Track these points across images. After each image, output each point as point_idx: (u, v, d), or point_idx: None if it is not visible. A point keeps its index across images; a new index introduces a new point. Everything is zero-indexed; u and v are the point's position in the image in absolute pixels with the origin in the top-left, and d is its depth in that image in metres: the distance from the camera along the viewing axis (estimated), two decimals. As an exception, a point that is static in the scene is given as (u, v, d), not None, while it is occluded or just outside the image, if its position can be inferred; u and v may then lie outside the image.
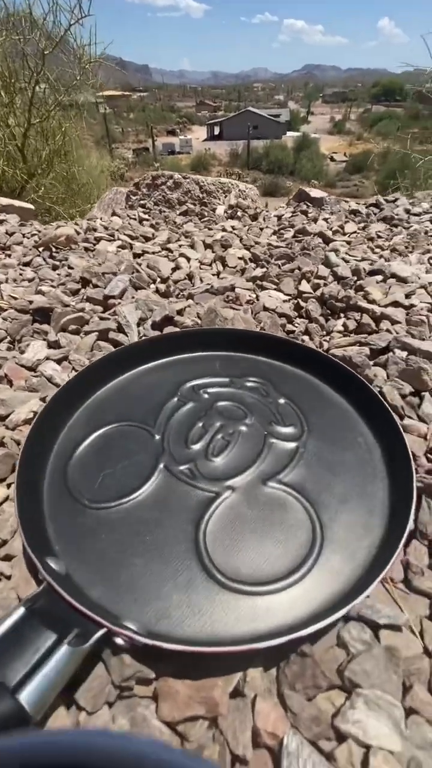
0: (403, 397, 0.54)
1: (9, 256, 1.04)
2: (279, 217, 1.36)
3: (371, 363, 0.62)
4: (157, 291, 0.85)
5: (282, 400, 0.48)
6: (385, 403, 0.43)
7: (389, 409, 0.43)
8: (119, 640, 0.26)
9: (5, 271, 0.93)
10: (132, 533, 0.35)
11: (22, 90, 2.74)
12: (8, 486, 0.43)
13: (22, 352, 0.65)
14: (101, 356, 0.53)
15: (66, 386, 0.46)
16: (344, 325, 0.73)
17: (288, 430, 0.45)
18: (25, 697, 0.22)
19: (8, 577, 0.35)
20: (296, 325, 0.73)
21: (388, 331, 0.68)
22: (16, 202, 1.51)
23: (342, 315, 0.75)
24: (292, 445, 0.43)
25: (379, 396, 0.44)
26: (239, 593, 0.31)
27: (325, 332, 0.72)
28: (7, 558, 0.37)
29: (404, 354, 0.61)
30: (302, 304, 0.76)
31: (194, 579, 0.32)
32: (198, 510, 0.36)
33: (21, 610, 0.26)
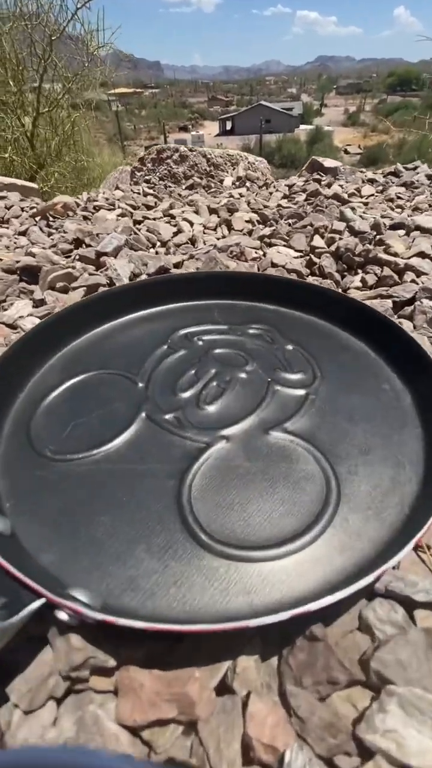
0: (436, 346, 0.46)
1: (6, 227, 0.99)
2: (290, 186, 1.27)
3: (395, 315, 0.54)
4: (156, 254, 0.78)
5: (290, 347, 0.41)
6: (418, 342, 0.36)
7: (423, 349, 0.35)
8: (62, 615, 0.19)
9: (-2, 239, 0.88)
10: (100, 487, 0.28)
11: (32, 86, 2.72)
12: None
13: (5, 311, 0.59)
14: (80, 300, 0.46)
15: (35, 329, 0.40)
16: (362, 280, 0.64)
17: (296, 376, 0.37)
18: None
19: None
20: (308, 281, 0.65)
21: (413, 281, 0.60)
22: (19, 181, 1.46)
23: (360, 270, 0.67)
24: (300, 392, 0.35)
25: (411, 336, 0.37)
26: (230, 559, 0.24)
27: (341, 289, 0.64)
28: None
29: (433, 303, 0.53)
30: (315, 259, 0.68)
31: (173, 541, 0.25)
32: (183, 462, 0.29)
33: None
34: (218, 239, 0.86)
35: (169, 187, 1.44)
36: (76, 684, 0.21)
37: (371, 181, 1.26)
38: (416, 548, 0.26)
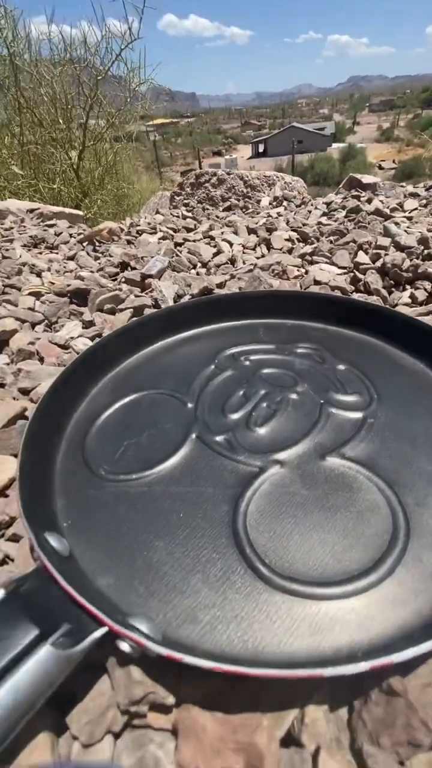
0: None
1: (56, 252, 1.05)
2: (328, 203, 1.27)
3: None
4: (197, 275, 0.79)
5: (342, 366, 0.40)
6: None
7: None
8: (124, 646, 0.19)
9: (50, 263, 0.93)
10: (154, 511, 0.28)
11: (79, 121, 2.93)
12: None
13: (57, 332, 0.62)
14: (130, 322, 0.47)
15: (89, 351, 0.41)
16: (411, 296, 0.62)
17: (351, 398, 0.36)
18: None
19: (13, 560, 0.30)
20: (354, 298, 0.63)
21: (469, 297, 0.57)
22: (66, 210, 1.56)
23: (408, 286, 0.65)
24: (357, 415, 0.34)
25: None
26: (293, 594, 0.22)
27: (388, 305, 0.61)
28: (14, 538, 0.31)
29: None
30: (360, 276, 0.66)
31: (231, 572, 0.24)
32: (237, 487, 0.29)
33: None
34: (258, 258, 0.86)
35: (207, 209, 1.48)
36: (134, 719, 0.20)
37: (414, 195, 1.24)
38: None
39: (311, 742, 0.19)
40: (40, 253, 1.02)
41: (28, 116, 2.78)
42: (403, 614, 0.21)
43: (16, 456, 0.38)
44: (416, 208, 1.04)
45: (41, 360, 0.54)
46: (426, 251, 0.70)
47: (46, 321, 0.66)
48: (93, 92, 2.88)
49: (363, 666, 0.17)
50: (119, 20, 2.67)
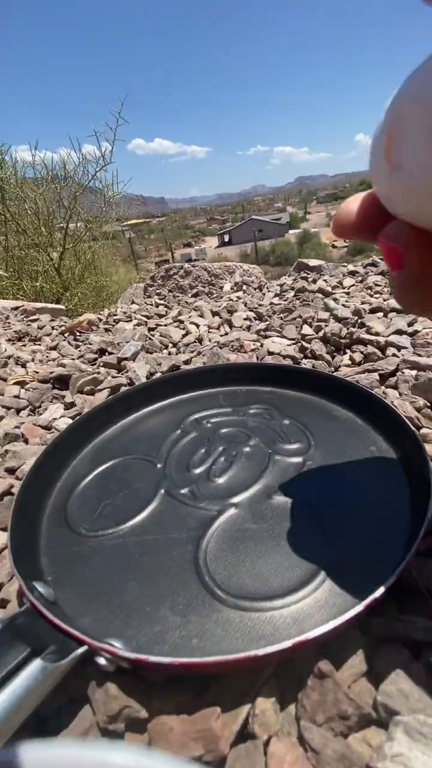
0: (418, 409, 0.51)
1: (39, 344, 1.15)
2: (281, 285, 1.46)
3: (382, 386, 0.60)
4: (168, 354, 0.89)
5: (287, 421, 0.47)
6: (394, 407, 0.41)
7: (401, 414, 0.40)
8: (102, 660, 0.23)
9: (33, 354, 1.02)
10: (128, 557, 0.32)
11: (59, 227, 3.29)
12: (12, 531, 0.42)
13: (40, 415, 0.68)
14: (104, 401, 0.54)
15: (69, 428, 0.47)
16: (351, 358, 0.73)
17: (293, 446, 0.43)
18: (-14, 720, 0.19)
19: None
20: (303, 365, 0.73)
21: (394, 356, 0.68)
22: (49, 305, 1.71)
23: (347, 350, 0.76)
24: (298, 459, 0.40)
25: (387, 403, 0.42)
26: (243, 610, 0.27)
27: (333, 368, 0.72)
28: (2, 604, 0.34)
29: (414, 372, 0.59)
30: (306, 345, 0.77)
31: (193, 599, 0.28)
32: (199, 529, 0.34)
33: (-4, 627, 0.24)
34: (221, 336, 0.98)
35: (177, 296, 1.65)
36: (113, 738, 0.23)
37: (352, 273, 1.44)
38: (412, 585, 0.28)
39: (263, 732, 0.22)
40: (24, 345, 1.12)
41: (13, 226, 3.11)
42: (331, 612, 0.26)
43: (3, 530, 0.42)
44: (353, 285, 1.22)
45: (26, 441, 0.60)
46: (359, 320, 0.83)
47: (30, 406, 0.73)
48: (72, 205, 3.29)
49: (286, 643, 0.22)
50: (94, 147, 3.17)
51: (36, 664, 0.21)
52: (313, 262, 1.65)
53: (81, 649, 0.23)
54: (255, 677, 0.24)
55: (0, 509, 0.44)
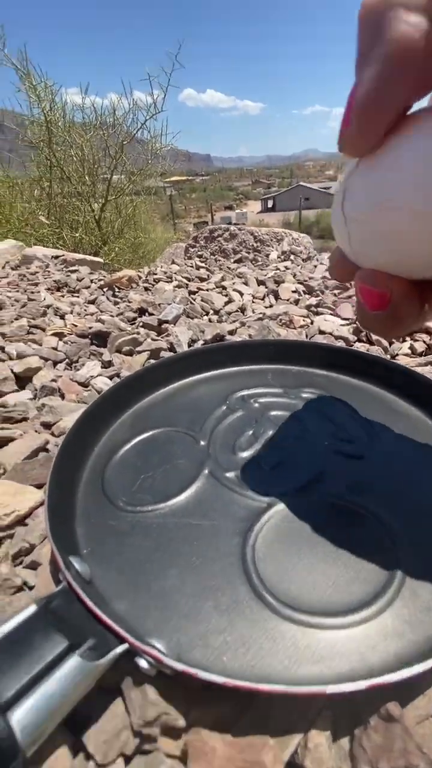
0: None
1: (77, 296, 1.13)
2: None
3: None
4: (209, 321, 0.85)
5: (344, 411, 0.43)
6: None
7: None
8: (143, 662, 0.20)
9: (72, 306, 1.00)
10: (168, 541, 0.30)
11: (103, 177, 3.21)
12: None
13: (77, 370, 0.66)
14: (148, 365, 0.51)
15: (112, 389, 0.44)
16: (411, 347, 0.66)
17: (352, 441, 0.38)
18: (19, 717, 0.17)
19: (31, 587, 0.32)
20: (356, 348, 0.67)
21: (464, 349, 0.61)
22: (88, 257, 1.68)
23: (407, 338, 0.69)
24: (357, 455, 0.36)
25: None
26: (298, 623, 0.24)
27: (389, 355, 0.65)
28: (33, 566, 0.33)
29: None
30: (362, 327, 0.71)
31: (240, 600, 0.25)
32: (246, 521, 0.31)
33: (32, 609, 0.22)
34: (266, 308, 0.92)
35: (219, 261, 1.58)
36: (145, 743, 0.21)
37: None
38: None
39: (314, 767, 0.20)
40: (63, 296, 1.09)
41: (58, 173, 3.05)
42: (400, 645, 0.22)
43: (37, 487, 0.41)
44: (415, 266, 1.11)
45: (62, 396, 0.58)
46: (424, 306, 0.76)
47: (67, 360, 0.71)
48: (118, 155, 3.17)
49: (361, 684, 0.19)
50: (145, 94, 3.00)
51: (73, 661, 0.19)
52: (369, 237, 1.53)
53: (121, 648, 0.20)
54: (307, 704, 0.21)
55: (35, 465, 0.42)
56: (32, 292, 1.06)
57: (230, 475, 0.35)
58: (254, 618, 0.24)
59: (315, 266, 1.19)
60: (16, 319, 0.82)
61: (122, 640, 0.21)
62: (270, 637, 0.23)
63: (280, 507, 0.32)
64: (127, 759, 0.21)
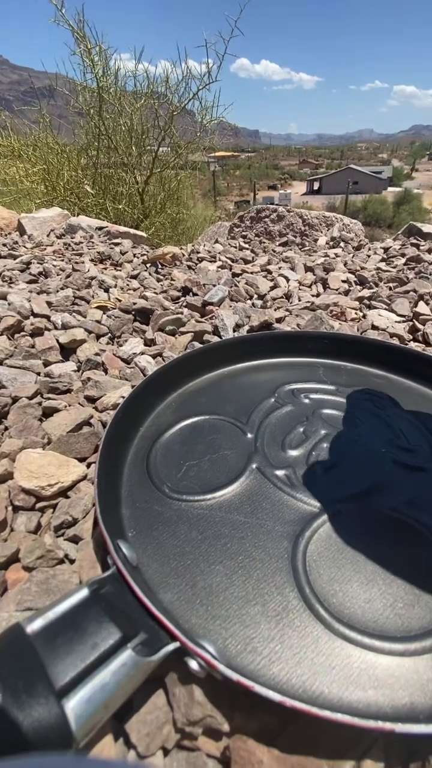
0: None
1: (120, 270, 1.12)
2: (386, 249, 1.28)
3: None
4: (253, 306, 0.82)
5: (404, 417, 0.40)
6: None
7: None
8: (193, 664, 0.20)
9: (115, 280, 0.99)
10: (215, 535, 0.29)
11: (149, 148, 3.15)
12: (88, 465, 0.41)
13: (120, 346, 0.66)
14: (196, 348, 0.50)
15: (159, 371, 0.43)
16: (473, 353, 0.61)
17: (413, 450, 0.36)
18: (73, 707, 0.17)
19: (72, 561, 0.32)
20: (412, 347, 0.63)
21: None
22: (131, 230, 1.66)
23: (469, 342, 0.64)
24: (420, 467, 0.34)
25: None
26: (353, 643, 0.22)
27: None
28: (74, 539, 0.33)
29: None
30: (419, 326, 0.66)
31: (290, 609, 0.24)
32: (296, 524, 0.29)
33: (84, 592, 0.21)
34: (313, 296, 0.88)
35: (263, 243, 1.53)
36: (185, 740, 0.21)
37: (475, 248, 1.23)
38: None
39: (366, 799, 0.19)
40: (105, 269, 1.09)
41: (105, 142, 3.01)
42: (468, 684, 0.21)
43: (80, 460, 0.41)
44: None
45: (105, 371, 0.58)
46: None
47: (110, 334, 0.70)
48: (167, 126, 3.09)
49: (428, 729, 0.17)
50: (198, 63, 2.89)
51: (127, 655, 0.18)
52: (427, 228, 1.43)
53: (173, 646, 0.20)
54: (364, 732, 0.20)
55: (78, 439, 0.42)
56: (77, 263, 1.06)
57: (279, 473, 0.34)
58: (305, 629, 0.23)
59: (368, 255, 1.12)
60: (62, 288, 0.82)
61: (173, 637, 0.20)
62: (321, 653, 0.22)
63: (333, 513, 0.30)
64: (166, 751, 0.21)
